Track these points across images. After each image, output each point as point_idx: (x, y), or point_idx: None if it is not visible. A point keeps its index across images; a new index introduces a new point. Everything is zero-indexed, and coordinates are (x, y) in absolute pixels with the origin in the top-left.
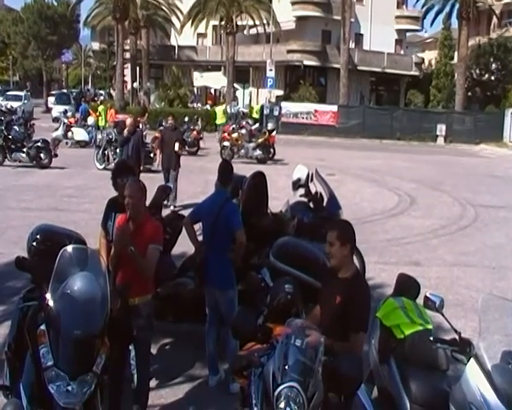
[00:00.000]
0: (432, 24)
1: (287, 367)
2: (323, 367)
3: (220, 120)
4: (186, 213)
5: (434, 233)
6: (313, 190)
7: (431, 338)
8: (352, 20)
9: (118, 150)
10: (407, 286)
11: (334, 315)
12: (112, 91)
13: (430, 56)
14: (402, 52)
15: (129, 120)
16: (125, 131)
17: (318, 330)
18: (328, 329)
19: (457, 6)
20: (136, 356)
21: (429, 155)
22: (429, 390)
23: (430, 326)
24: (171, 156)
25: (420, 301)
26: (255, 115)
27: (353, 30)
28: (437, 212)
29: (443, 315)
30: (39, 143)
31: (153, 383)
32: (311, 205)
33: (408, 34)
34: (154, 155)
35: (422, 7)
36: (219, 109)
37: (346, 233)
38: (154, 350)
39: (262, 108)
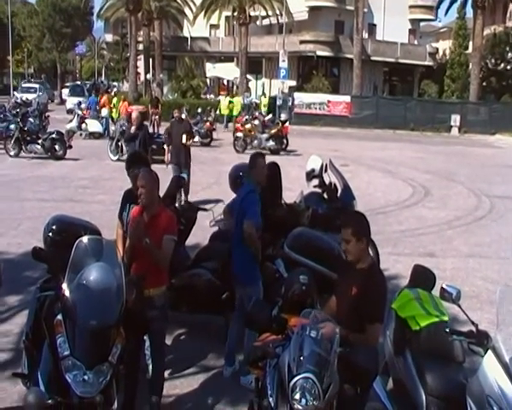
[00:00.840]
0: (446, 13)
1: (302, 358)
2: (339, 358)
3: (232, 110)
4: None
5: (449, 224)
6: (327, 181)
7: (447, 330)
8: (366, 10)
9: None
10: (423, 277)
11: (350, 306)
12: (125, 83)
13: (444, 46)
14: (416, 42)
15: (135, 114)
16: (132, 128)
17: (334, 321)
18: (343, 320)
19: None
20: (151, 347)
21: (443, 146)
22: (445, 382)
23: (446, 318)
24: (179, 150)
25: (435, 292)
26: (263, 109)
27: (366, 20)
28: (452, 203)
29: (460, 307)
30: (54, 135)
31: (167, 373)
32: (325, 196)
33: (422, 24)
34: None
35: None
36: (224, 101)
37: (360, 228)
38: (168, 341)
39: (274, 99)
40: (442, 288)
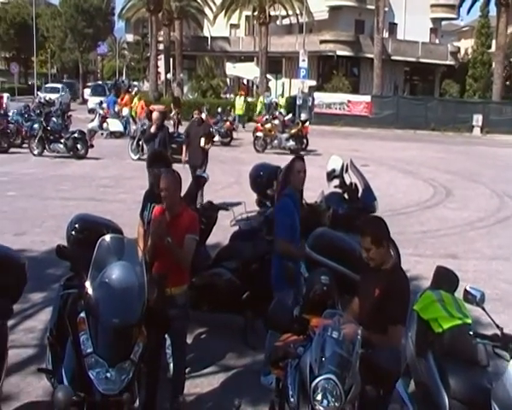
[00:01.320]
0: (469, 12)
1: (324, 359)
2: (361, 360)
3: (240, 111)
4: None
5: (471, 226)
6: (348, 181)
7: (471, 333)
8: (386, 9)
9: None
10: (445, 279)
11: (373, 307)
12: (146, 82)
13: (466, 45)
14: (437, 41)
15: (156, 115)
16: (153, 127)
17: (355, 322)
18: (366, 321)
19: None
20: (173, 346)
21: (465, 146)
22: (469, 386)
23: (469, 321)
24: (196, 153)
25: (458, 294)
26: (281, 109)
27: (387, 19)
28: (474, 204)
29: (484, 310)
30: (76, 134)
31: (188, 372)
32: (346, 196)
33: (443, 23)
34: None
35: None
36: (239, 100)
37: (378, 234)
38: (189, 340)
39: (294, 98)
40: (466, 290)
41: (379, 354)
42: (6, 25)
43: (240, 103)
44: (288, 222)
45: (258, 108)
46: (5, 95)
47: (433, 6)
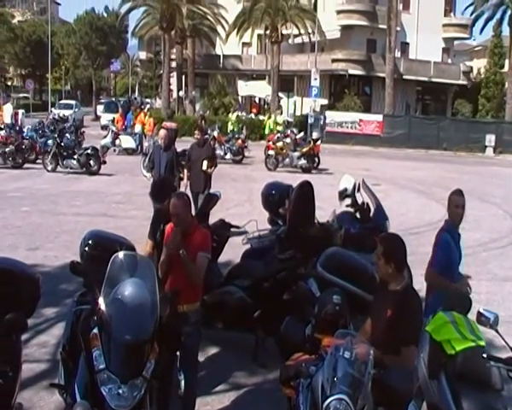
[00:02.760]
0: (481, 31)
1: (336, 379)
2: (373, 380)
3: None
4: (232, 221)
5: (484, 246)
6: (360, 201)
7: (484, 355)
8: (398, 28)
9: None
10: (458, 301)
11: (385, 328)
12: (158, 100)
13: (479, 65)
14: (449, 61)
15: (162, 133)
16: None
17: (367, 342)
18: (378, 342)
19: (509, 12)
20: (184, 363)
21: (478, 166)
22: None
23: (483, 343)
24: (199, 177)
25: (471, 316)
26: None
27: (399, 39)
28: (486, 225)
29: (498, 332)
30: (89, 151)
31: (199, 390)
32: (358, 215)
33: (456, 42)
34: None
35: (471, 14)
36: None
37: (391, 251)
38: (200, 357)
39: (306, 117)
40: (479, 312)
41: (391, 374)
42: (22, 43)
43: (233, 119)
44: (443, 257)
45: (268, 127)
46: (20, 111)
47: (445, 25)
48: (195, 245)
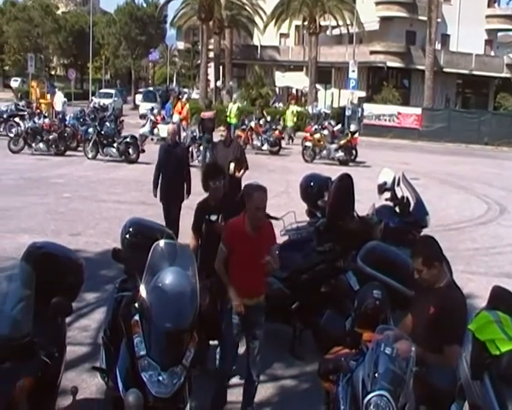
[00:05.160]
0: None
1: (377, 375)
2: (415, 378)
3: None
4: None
5: None
6: (399, 195)
7: None
8: (439, 20)
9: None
10: (503, 300)
11: (428, 326)
12: (195, 89)
13: None
14: (492, 53)
15: (170, 128)
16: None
17: (409, 339)
18: (420, 339)
19: None
20: (251, 356)
21: None
22: None
23: None
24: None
25: None
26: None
27: (440, 30)
28: None
29: None
30: (128, 139)
31: (236, 381)
32: (397, 209)
33: (499, 34)
34: None
35: None
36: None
37: (430, 255)
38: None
39: (343, 109)
40: None
41: (434, 373)
42: (65, 33)
43: (234, 111)
44: None
45: (289, 119)
46: (61, 99)
47: (488, 17)
48: (268, 239)
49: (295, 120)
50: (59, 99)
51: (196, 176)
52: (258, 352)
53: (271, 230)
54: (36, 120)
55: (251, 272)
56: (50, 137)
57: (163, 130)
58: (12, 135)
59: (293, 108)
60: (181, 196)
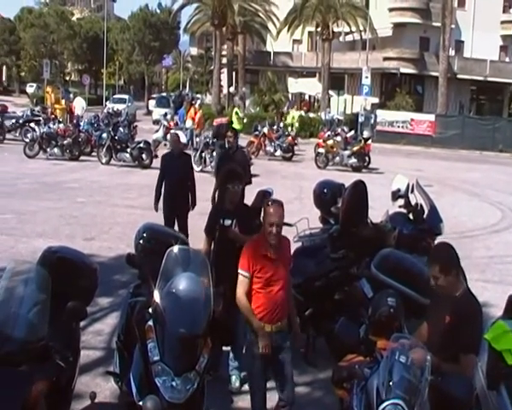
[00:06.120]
0: None
1: (391, 383)
2: (430, 387)
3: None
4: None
5: None
6: (413, 202)
7: None
8: (453, 26)
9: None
10: None
11: (443, 335)
12: (208, 95)
13: None
14: (507, 59)
15: (172, 137)
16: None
17: (424, 347)
18: (435, 348)
19: None
20: (283, 379)
21: None
22: None
23: None
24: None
25: None
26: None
27: (454, 36)
28: None
29: None
30: (141, 145)
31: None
32: (411, 216)
33: None
34: (250, 158)
35: None
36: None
37: (448, 263)
38: None
39: (356, 115)
40: None
41: (450, 382)
42: (80, 39)
43: (234, 116)
44: None
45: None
46: (82, 104)
47: (503, 22)
48: (287, 259)
49: (297, 124)
50: (79, 104)
51: (209, 182)
52: (287, 376)
53: (289, 248)
54: (51, 125)
55: (272, 295)
56: (65, 142)
57: None
58: (27, 140)
59: (294, 113)
60: (186, 209)
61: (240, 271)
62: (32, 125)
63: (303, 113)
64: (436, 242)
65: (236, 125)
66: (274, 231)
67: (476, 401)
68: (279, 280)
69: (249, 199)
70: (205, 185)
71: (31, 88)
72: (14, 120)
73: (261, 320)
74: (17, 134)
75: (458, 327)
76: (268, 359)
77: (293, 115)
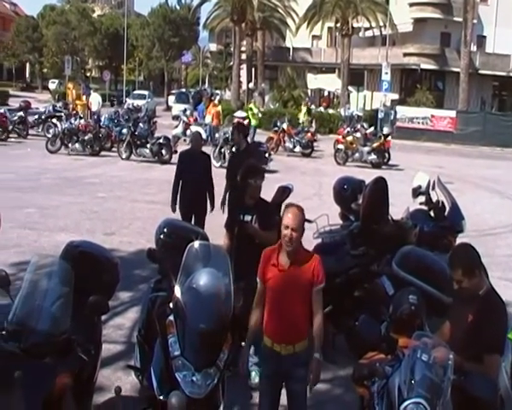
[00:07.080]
0: None
1: (413, 382)
2: (453, 387)
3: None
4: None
5: None
6: (434, 199)
7: None
8: (475, 21)
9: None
10: None
11: (467, 334)
12: (227, 91)
13: None
14: None
15: (194, 135)
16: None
17: (447, 346)
18: (458, 347)
19: None
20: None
21: None
22: None
23: None
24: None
25: None
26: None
27: (475, 32)
28: None
29: None
30: (161, 140)
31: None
32: (432, 214)
33: None
34: (270, 154)
35: None
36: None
37: (470, 265)
38: None
39: (376, 112)
40: None
41: (474, 382)
42: (101, 35)
43: (251, 113)
44: None
45: (301, 118)
46: (97, 99)
47: None
48: (307, 277)
49: (308, 118)
50: (95, 100)
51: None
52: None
53: (317, 265)
54: (72, 121)
55: (283, 313)
56: (86, 137)
57: None
58: (50, 136)
59: (305, 108)
60: (203, 210)
61: (257, 278)
62: (54, 120)
63: (322, 109)
64: (457, 240)
65: (252, 121)
66: (288, 235)
67: (501, 401)
68: (293, 295)
69: (269, 195)
70: (224, 181)
71: (53, 84)
72: (36, 116)
73: (269, 338)
74: (40, 130)
75: (481, 326)
76: (275, 383)
77: (304, 110)
